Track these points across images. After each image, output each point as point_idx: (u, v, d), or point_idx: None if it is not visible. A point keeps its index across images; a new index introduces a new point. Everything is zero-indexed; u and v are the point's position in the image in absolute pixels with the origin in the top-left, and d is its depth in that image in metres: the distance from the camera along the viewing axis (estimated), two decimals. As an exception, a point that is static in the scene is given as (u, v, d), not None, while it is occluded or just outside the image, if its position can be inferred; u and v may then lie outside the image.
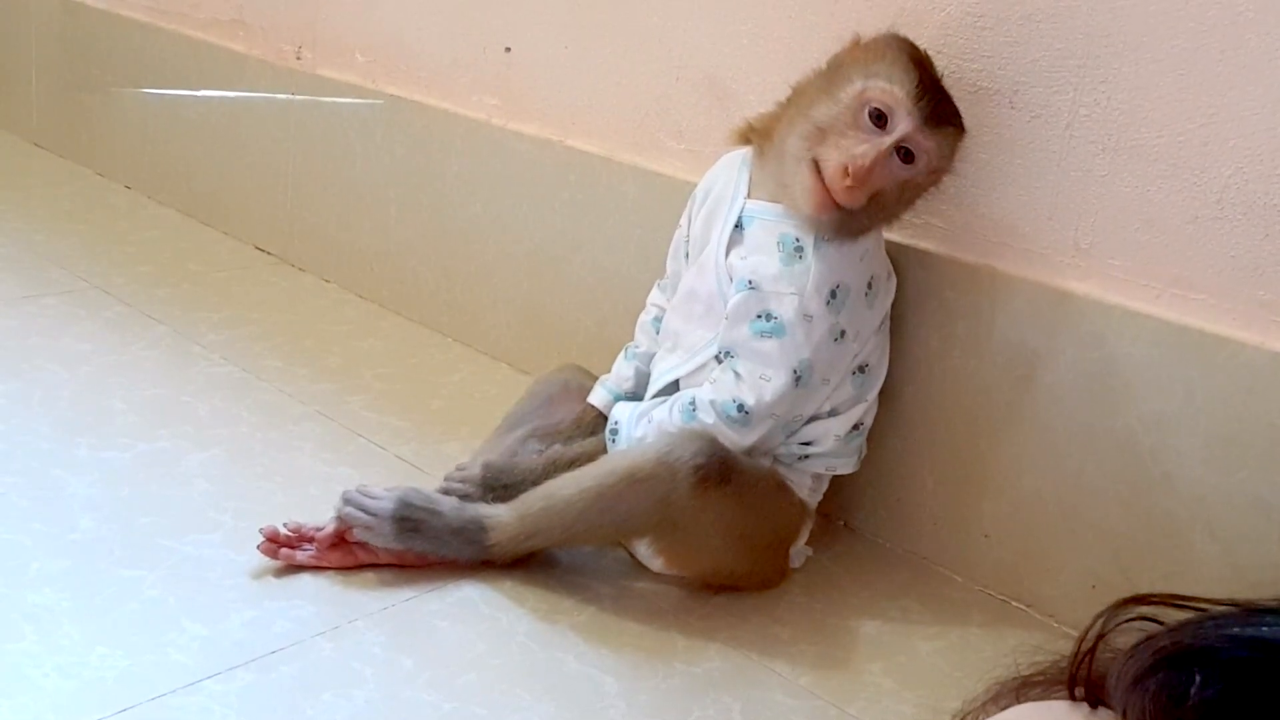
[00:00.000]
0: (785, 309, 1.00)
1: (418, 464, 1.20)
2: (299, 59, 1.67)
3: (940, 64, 1.03)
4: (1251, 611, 0.47)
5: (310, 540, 1.01)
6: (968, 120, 1.02)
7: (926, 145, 0.97)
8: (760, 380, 0.99)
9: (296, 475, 1.16)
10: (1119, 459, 0.99)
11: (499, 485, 1.06)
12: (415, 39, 1.52)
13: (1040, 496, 1.04)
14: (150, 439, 1.19)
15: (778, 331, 0.99)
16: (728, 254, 1.04)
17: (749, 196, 1.04)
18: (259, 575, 0.99)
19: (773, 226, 1.02)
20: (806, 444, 1.05)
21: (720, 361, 1.02)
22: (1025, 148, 1.03)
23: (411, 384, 1.39)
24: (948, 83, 1.00)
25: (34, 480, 1.10)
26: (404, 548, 1.01)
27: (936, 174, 1.01)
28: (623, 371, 1.14)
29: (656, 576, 1.05)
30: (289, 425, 1.26)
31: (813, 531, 1.09)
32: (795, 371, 1.00)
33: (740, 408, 0.99)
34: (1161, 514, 0.98)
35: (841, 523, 1.18)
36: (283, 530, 1.01)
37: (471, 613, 0.98)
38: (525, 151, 1.40)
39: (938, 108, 0.96)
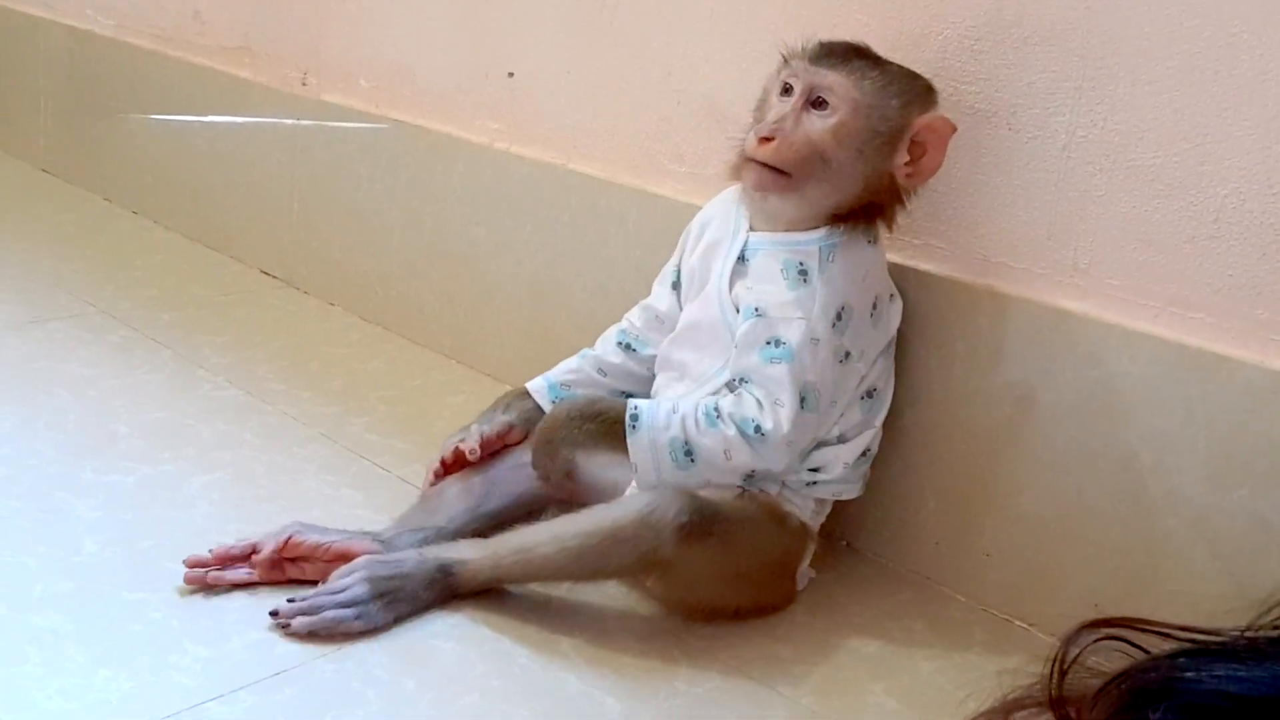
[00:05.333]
0: (793, 334, 1.00)
1: (421, 486, 1.20)
2: (304, 85, 1.69)
3: (939, 86, 1.04)
4: (1207, 652, 0.48)
5: (246, 559, 1.01)
6: (966, 141, 1.03)
7: (829, 81, 0.99)
8: (775, 405, 0.99)
9: (300, 498, 1.16)
10: (1119, 477, 0.99)
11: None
12: (419, 65, 1.53)
13: (1041, 515, 1.05)
14: (154, 462, 1.20)
15: (786, 356, 0.99)
16: (732, 287, 1.04)
17: (751, 230, 1.05)
18: (262, 597, 1.00)
19: (776, 254, 1.02)
20: (815, 470, 1.05)
21: (733, 389, 1.02)
22: (1023, 169, 1.04)
23: (415, 406, 1.40)
24: (945, 106, 1.01)
25: (39, 503, 1.10)
26: (393, 618, 0.98)
27: (865, 111, 0.98)
28: (569, 364, 1.15)
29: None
30: (293, 448, 1.26)
31: (815, 553, 1.09)
32: (802, 396, 0.99)
33: (757, 429, 0.99)
34: (1162, 532, 0.98)
35: (844, 543, 1.18)
36: (208, 555, 1.01)
37: (473, 634, 0.98)
38: (527, 175, 1.41)
39: (832, 48, 1.00)
